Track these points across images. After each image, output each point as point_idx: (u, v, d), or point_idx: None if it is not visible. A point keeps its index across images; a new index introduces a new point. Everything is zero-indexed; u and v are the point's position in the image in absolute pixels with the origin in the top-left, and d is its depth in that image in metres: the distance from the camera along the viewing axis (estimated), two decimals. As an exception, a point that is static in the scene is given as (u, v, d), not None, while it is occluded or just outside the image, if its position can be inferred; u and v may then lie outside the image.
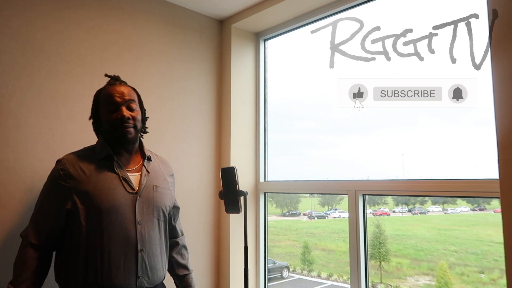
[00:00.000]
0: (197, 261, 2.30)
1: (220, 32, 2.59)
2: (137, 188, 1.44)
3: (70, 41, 1.89)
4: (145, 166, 1.50)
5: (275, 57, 2.62)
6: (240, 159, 2.47)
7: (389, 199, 2.20)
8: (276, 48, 2.63)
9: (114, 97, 1.44)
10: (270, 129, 2.59)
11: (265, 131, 2.59)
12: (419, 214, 2.08)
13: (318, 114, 2.36)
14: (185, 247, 1.76)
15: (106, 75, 1.56)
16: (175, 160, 2.25)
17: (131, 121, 1.43)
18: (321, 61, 2.31)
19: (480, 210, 1.82)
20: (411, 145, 1.87)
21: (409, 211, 2.13)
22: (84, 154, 1.46)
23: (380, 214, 2.13)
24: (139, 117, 1.48)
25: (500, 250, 1.36)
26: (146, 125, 1.60)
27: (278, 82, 2.59)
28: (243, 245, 1.57)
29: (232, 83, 2.48)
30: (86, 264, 1.33)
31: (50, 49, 1.82)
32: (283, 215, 2.64)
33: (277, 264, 2.55)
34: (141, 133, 1.56)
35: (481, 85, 1.58)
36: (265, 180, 2.54)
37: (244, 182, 2.48)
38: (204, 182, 2.40)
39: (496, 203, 1.68)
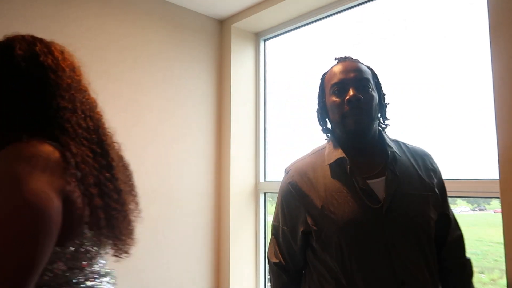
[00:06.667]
0: (197, 262, 2.30)
1: (220, 32, 2.59)
2: (383, 199, 1.05)
3: (70, 41, 1.87)
4: (389, 167, 1.09)
5: (275, 57, 2.62)
6: (240, 159, 2.47)
7: (389, 199, 2.19)
8: (276, 48, 2.63)
9: (339, 75, 1.11)
10: (270, 129, 2.59)
11: (265, 131, 2.59)
12: (419, 214, 2.08)
13: (318, 114, 2.35)
14: (469, 274, 1.17)
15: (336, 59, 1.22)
16: (175, 160, 2.26)
17: (362, 105, 1.07)
18: (321, 60, 2.31)
19: (480, 210, 1.82)
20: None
21: (409, 211, 2.12)
22: (312, 161, 1.18)
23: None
24: (374, 101, 1.10)
25: (500, 250, 1.36)
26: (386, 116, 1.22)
27: (278, 82, 2.59)
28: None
29: (232, 83, 2.48)
30: None
31: (50, 49, 1.82)
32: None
33: (277, 264, 2.54)
34: (381, 124, 1.20)
35: (481, 85, 1.58)
36: (265, 180, 2.54)
37: (244, 182, 2.48)
38: (204, 182, 2.40)
39: (496, 203, 1.68)
